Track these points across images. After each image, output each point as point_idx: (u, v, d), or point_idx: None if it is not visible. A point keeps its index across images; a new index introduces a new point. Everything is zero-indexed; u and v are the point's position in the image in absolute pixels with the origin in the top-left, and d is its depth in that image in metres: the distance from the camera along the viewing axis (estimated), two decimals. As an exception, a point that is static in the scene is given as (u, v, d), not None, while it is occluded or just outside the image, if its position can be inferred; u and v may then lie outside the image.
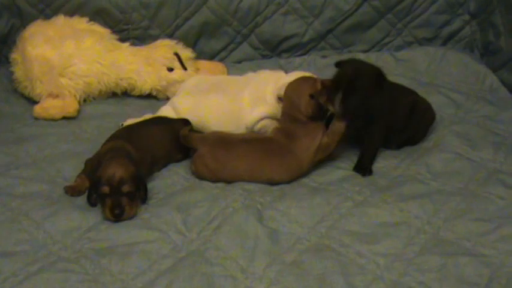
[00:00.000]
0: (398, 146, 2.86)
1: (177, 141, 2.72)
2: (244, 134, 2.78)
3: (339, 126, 2.62)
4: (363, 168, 2.69)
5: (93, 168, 2.50)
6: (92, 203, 2.43)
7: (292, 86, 2.68)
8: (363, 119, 2.63)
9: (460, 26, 3.75)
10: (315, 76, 2.74)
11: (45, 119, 3.06)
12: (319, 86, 2.61)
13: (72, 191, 2.51)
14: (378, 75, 2.61)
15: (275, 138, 2.64)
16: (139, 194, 2.42)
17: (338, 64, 2.69)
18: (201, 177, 2.62)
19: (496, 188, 2.58)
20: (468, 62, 3.60)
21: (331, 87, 2.57)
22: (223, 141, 2.63)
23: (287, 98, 2.68)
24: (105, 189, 2.36)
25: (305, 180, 2.63)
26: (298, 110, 2.63)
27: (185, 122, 2.88)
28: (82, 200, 2.47)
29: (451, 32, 3.77)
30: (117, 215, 2.34)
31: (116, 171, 2.37)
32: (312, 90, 2.61)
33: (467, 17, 3.73)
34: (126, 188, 2.36)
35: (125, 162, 2.42)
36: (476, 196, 2.53)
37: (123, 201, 2.35)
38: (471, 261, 2.18)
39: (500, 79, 3.44)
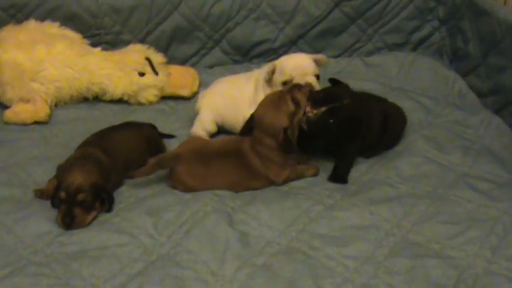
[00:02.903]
0: (373, 154, 2.88)
1: (148, 145, 2.73)
2: (219, 143, 2.76)
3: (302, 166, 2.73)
4: (338, 177, 2.70)
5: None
6: (55, 205, 2.43)
7: (269, 117, 2.63)
8: (333, 134, 2.67)
9: (429, 31, 3.80)
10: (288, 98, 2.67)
11: (16, 124, 3.06)
12: (291, 107, 2.61)
13: (41, 194, 2.51)
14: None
15: (249, 156, 2.62)
16: (100, 203, 2.42)
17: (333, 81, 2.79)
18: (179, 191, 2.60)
19: (464, 191, 2.62)
20: (437, 68, 3.63)
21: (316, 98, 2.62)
22: (199, 155, 2.61)
23: (263, 124, 2.64)
24: (62, 194, 2.36)
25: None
26: (274, 139, 2.61)
27: (152, 126, 2.92)
28: (53, 204, 2.47)
29: (421, 38, 3.82)
30: (66, 224, 2.34)
31: (76, 178, 2.37)
32: (287, 123, 2.59)
33: (436, 23, 3.77)
34: (81, 197, 2.36)
35: (88, 170, 2.42)
36: (444, 199, 2.56)
37: (76, 210, 2.35)
38: (439, 263, 2.21)
39: (468, 84, 3.47)
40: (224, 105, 2.96)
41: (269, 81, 2.83)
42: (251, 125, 2.68)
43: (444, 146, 2.93)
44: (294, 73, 2.76)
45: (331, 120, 2.59)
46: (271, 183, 2.64)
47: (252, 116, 2.68)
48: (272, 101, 2.65)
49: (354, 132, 2.70)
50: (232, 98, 2.95)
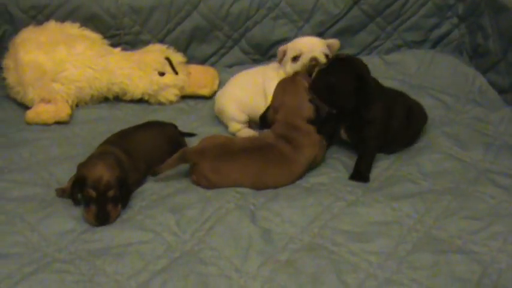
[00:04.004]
0: (393, 150, 2.87)
1: (170, 144, 2.74)
2: (244, 140, 2.78)
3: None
4: (360, 175, 2.69)
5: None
6: (76, 201, 2.44)
7: (289, 96, 2.70)
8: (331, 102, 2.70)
9: (449, 29, 3.78)
10: (302, 77, 2.79)
11: (38, 124, 3.07)
12: (306, 85, 2.71)
13: (62, 193, 2.52)
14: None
15: (277, 145, 2.63)
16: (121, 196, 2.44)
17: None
18: (201, 187, 2.60)
19: (486, 187, 2.61)
20: (457, 65, 3.61)
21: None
22: (224, 151, 2.60)
23: (285, 106, 2.69)
24: (92, 193, 2.36)
25: (298, 181, 2.65)
26: (300, 116, 2.65)
27: (174, 125, 2.92)
28: (76, 202, 2.49)
29: (440, 35, 3.79)
30: (102, 222, 2.36)
31: (103, 174, 2.37)
32: (308, 96, 2.67)
33: (455, 20, 3.75)
34: (111, 193, 2.37)
35: (111, 164, 2.43)
36: (467, 195, 2.56)
37: (109, 207, 2.37)
38: (463, 258, 2.21)
39: (488, 81, 3.45)
40: (245, 94, 3.02)
41: (281, 61, 2.97)
42: (268, 116, 2.74)
43: (465, 143, 2.92)
44: (304, 48, 2.90)
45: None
46: (298, 173, 2.65)
47: (268, 108, 2.73)
48: (286, 85, 2.75)
49: (370, 127, 2.73)
50: (251, 85, 3.03)
